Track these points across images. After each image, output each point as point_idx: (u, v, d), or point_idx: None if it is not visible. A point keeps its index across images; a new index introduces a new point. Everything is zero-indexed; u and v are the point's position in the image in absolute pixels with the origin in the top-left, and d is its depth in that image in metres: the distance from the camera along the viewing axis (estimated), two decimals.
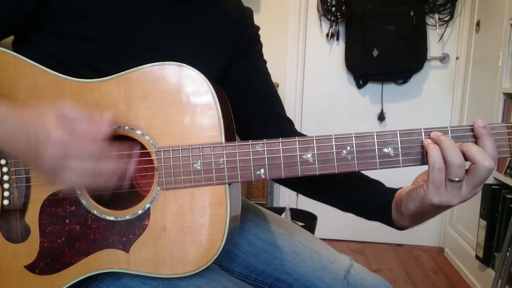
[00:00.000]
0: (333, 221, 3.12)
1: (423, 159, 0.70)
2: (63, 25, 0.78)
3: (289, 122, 1.01)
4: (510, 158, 0.69)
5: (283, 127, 1.00)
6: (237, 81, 0.97)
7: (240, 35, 0.97)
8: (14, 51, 0.77)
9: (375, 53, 2.79)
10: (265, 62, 1.03)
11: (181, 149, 0.74)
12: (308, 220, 2.71)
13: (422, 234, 3.11)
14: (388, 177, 0.94)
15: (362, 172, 0.79)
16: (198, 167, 0.74)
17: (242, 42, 0.97)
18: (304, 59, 3.08)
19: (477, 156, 0.66)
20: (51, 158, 0.64)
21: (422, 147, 0.70)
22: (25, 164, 0.76)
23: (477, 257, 2.38)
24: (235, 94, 0.95)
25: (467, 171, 0.68)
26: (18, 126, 0.66)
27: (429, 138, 0.70)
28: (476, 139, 0.69)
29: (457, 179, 0.67)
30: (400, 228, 0.83)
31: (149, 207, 0.75)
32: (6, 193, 0.76)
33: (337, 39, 3.00)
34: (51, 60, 0.78)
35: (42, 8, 0.76)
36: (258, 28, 1.02)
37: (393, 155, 0.71)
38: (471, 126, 0.70)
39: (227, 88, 0.92)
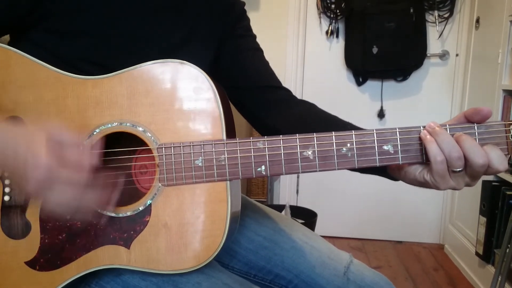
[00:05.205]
0: (333, 218, 3.13)
1: (422, 156, 0.71)
2: (59, 22, 0.79)
3: (287, 91, 1.02)
4: (509, 155, 0.69)
5: (282, 97, 1.00)
6: (229, 62, 0.98)
7: (226, 17, 0.97)
8: None
9: (375, 50, 2.79)
10: (254, 37, 1.04)
11: (183, 146, 0.74)
12: (308, 218, 2.71)
13: (422, 231, 3.12)
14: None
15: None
16: (200, 164, 0.74)
17: (229, 22, 0.98)
18: (304, 56, 3.08)
19: (469, 153, 0.67)
20: (36, 182, 0.64)
21: (421, 144, 0.70)
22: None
23: (477, 253, 2.38)
24: (230, 76, 0.96)
25: (465, 163, 0.68)
26: (8, 145, 0.66)
27: (425, 130, 0.70)
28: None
29: (458, 170, 0.68)
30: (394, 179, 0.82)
31: (150, 203, 0.75)
32: (7, 189, 0.76)
33: (337, 36, 3.00)
34: (50, 56, 0.78)
35: (37, 6, 0.76)
36: (243, 4, 1.03)
37: (392, 152, 0.71)
38: (470, 124, 0.70)
39: (221, 72, 0.93)
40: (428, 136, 0.69)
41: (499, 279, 1.97)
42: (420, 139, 0.70)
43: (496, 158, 0.67)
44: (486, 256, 2.29)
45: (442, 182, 0.70)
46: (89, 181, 0.66)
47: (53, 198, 0.66)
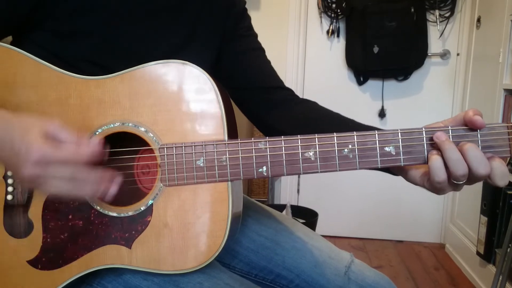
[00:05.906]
0: (334, 218, 3.13)
1: (425, 157, 0.70)
2: (61, 23, 0.79)
3: (289, 91, 1.02)
4: (510, 156, 0.69)
5: (284, 97, 1.01)
6: (231, 62, 0.98)
7: (227, 16, 0.97)
8: None
9: (376, 49, 2.79)
10: (255, 36, 1.04)
11: (184, 146, 0.74)
12: (309, 217, 2.71)
13: (423, 231, 3.12)
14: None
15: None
16: (201, 164, 0.74)
17: (230, 22, 0.98)
18: (304, 56, 3.08)
19: (472, 164, 0.66)
20: (28, 175, 0.63)
21: (423, 146, 0.70)
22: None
23: (478, 253, 2.38)
24: (232, 76, 0.96)
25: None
26: (4, 136, 0.65)
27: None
28: (475, 139, 0.69)
29: (460, 182, 0.68)
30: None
31: (152, 204, 0.75)
32: (10, 188, 0.76)
33: (338, 36, 3.00)
34: (52, 57, 0.79)
35: (39, 7, 0.77)
36: (244, 3, 1.03)
37: (394, 153, 0.71)
38: (472, 126, 0.69)
39: (223, 72, 0.92)
40: (435, 155, 0.68)
41: (500, 278, 1.97)
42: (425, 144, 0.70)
43: (499, 174, 0.67)
44: (487, 255, 2.29)
45: (441, 193, 0.71)
46: (83, 174, 0.65)
47: (47, 188, 0.65)
